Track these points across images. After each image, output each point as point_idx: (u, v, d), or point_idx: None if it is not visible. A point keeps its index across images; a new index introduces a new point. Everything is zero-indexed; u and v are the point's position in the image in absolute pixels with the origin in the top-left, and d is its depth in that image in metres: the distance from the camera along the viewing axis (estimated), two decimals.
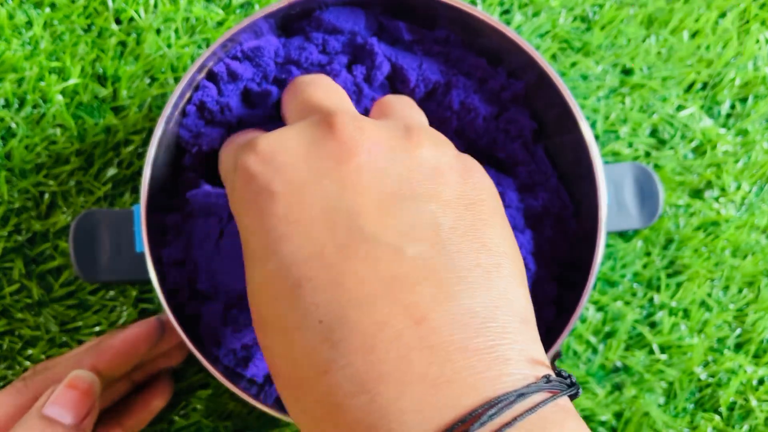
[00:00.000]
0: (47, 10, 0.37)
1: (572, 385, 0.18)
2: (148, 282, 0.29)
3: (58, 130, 0.37)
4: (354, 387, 0.17)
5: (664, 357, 0.38)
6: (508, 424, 0.16)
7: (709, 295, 0.39)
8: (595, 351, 0.38)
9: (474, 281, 0.18)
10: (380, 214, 0.19)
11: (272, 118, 0.32)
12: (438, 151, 0.21)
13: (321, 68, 0.31)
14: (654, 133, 0.40)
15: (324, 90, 0.25)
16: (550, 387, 0.17)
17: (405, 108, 0.25)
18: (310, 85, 0.25)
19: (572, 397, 0.19)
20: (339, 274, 0.18)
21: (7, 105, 0.36)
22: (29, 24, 0.37)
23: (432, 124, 0.26)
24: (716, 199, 0.40)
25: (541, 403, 0.17)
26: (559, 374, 0.18)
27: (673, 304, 0.39)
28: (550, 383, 0.18)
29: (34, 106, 0.37)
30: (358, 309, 0.18)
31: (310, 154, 0.20)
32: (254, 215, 0.20)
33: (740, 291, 0.39)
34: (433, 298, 0.18)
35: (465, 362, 0.17)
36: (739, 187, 0.40)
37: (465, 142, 0.33)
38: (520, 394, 0.17)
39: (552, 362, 0.19)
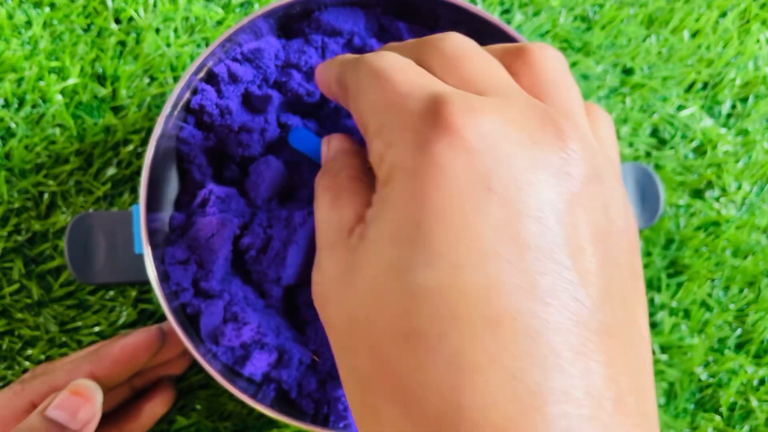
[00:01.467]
0: (47, 9, 0.37)
1: None
2: (147, 282, 0.29)
3: (58, 130, 0.36)
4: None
5: (664, 357, 0.38)
6: None
7: (710, 295, 0.39)
8: None
9: None
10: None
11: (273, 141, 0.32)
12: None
13: None
14: (654, 133, 0.40)
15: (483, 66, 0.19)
16: None
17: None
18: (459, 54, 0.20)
19: None
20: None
21: (7, 105, 0.36)
22: (29, 24, 0.37)
23: None
24: (717, 199, 0.40)
25: None
26: None
27: (674, 304, 0.39)
28: None
29: (34, 106, 0.36)
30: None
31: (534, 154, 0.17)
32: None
33: (741, 291, 0.39)
34: None
35: None
36: (739, 187, 0.40)
37: None
38: None
39: None
